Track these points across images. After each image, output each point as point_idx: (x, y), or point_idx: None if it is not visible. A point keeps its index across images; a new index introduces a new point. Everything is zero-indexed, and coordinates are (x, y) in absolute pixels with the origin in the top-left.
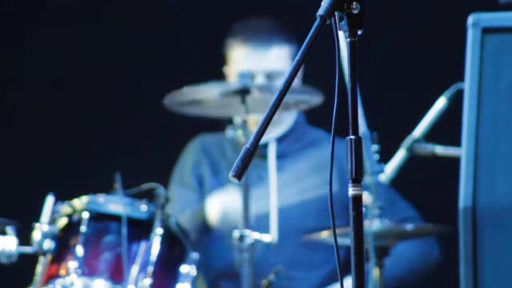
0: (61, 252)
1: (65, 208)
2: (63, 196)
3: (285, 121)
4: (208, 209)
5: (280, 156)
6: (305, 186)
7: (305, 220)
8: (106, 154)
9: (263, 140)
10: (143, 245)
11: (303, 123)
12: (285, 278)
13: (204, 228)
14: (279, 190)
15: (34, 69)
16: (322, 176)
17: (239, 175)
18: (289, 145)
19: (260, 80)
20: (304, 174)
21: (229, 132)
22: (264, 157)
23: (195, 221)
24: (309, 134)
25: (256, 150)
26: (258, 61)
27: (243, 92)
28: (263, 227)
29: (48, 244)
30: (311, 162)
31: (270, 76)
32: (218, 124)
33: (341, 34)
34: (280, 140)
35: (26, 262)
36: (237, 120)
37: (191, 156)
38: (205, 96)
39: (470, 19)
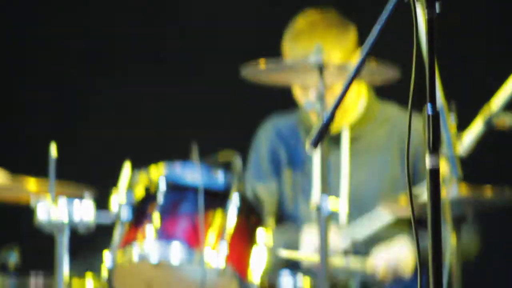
0: (138, 220)
1: (142, 177)
2: (139, 165)
3: (355, 108)
4: (304, 242)
5: (354, 139)
6: (380, 165)
7: (378, 199)
8: (182, 124)
9: (337, 129)
10: (219, 215)
11: (374, 101)
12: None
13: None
14: (353, 172)
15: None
16: (395, 154)
17: (315, 144)
18: (362, 128)
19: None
20: (379, 153)
21: (306, 105)
22: (338, 145)
23: (287, 245)
24: (382, 111)
25: (333, 122)
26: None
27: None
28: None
29: (125, 212)
30: (385, 140)
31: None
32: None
33: (418, 8)
34: (353, 125)
35: (103, 228)
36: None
37: (265, 143)
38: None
39: None
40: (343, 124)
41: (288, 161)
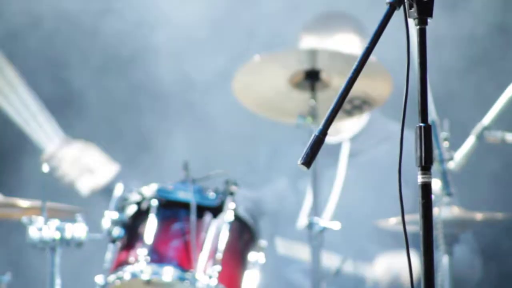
0: (130, 239)
1: (134, 196)
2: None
3: (358, 121)
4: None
5: (354, 154)
6: (379, 181)
7: (378, 215)
8: (173, 142)
9: (337, 139)
10: (211, 233)
11: (379, 116)
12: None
13: None
14: (350, 184)
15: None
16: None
17: (308, 163)
18: (363, 142)
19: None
20: (379, 170)
21: (298, 119)
22: (337, 157)
23: None
24: (385, 128)
25: (325, 138)
26: (322, 43)
27: (312, 75)
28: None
29: (117, 231)
30: (386, 157)
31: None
32: None
33: (411, 22)
34: (353, 138)
35: (96, 250)
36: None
37: None
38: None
39: None
40: (343, 134)
41: None
